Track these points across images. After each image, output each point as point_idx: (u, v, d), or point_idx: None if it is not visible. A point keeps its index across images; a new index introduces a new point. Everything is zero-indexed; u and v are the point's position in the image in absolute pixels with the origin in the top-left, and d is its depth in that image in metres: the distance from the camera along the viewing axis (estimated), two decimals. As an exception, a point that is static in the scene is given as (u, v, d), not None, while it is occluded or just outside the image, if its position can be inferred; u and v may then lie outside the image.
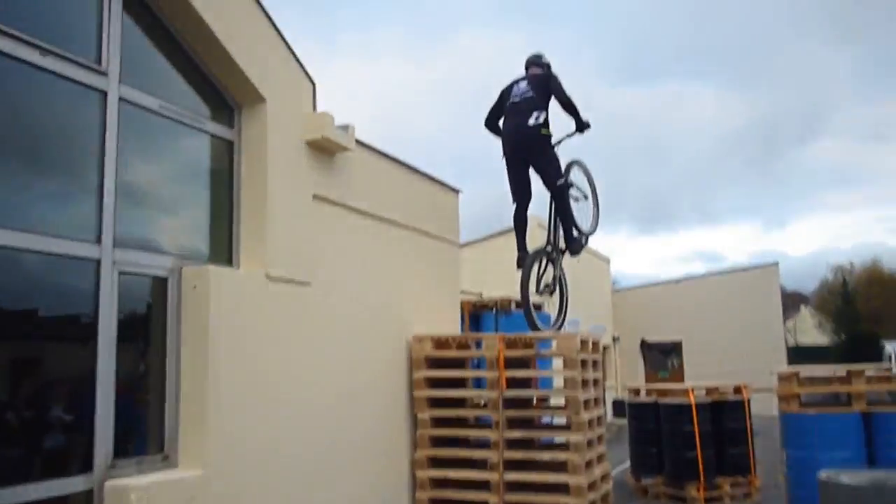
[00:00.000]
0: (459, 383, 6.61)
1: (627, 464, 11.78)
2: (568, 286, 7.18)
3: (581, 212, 7.39)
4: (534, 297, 6.69)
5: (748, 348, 23.13)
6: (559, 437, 6.23)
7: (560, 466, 6.06)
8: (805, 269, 76.57)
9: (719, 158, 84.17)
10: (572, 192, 7.20)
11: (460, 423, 6.52)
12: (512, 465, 6.21)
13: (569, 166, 7.48)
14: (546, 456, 6.14)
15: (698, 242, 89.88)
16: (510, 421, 6.29)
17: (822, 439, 6.55)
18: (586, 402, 6.31)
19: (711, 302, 25.04)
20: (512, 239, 7.00)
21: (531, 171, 6.79)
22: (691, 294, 25.27)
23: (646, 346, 23.82)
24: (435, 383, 6.56)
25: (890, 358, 23.27)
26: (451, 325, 7.53)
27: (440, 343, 6.69)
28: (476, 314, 9.53)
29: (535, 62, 7.19)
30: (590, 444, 6.28)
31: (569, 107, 6.83)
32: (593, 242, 10.47)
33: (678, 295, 25.33)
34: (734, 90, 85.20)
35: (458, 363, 6.70)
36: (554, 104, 6.84)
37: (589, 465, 6.21)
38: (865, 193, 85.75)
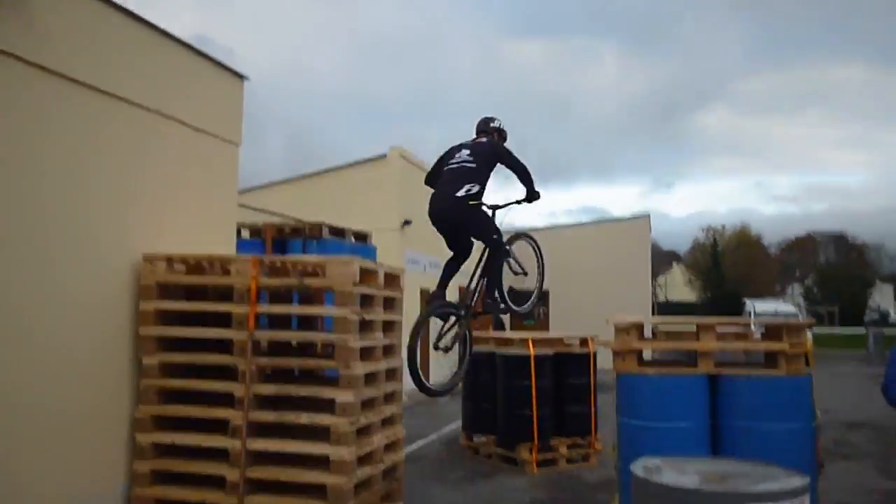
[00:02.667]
0: (204, 319, 4.96)
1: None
2: (471, 349, 6.56)
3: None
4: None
5: (616, 301, 22.53)
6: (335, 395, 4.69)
7: (323, 433, 4.56)
8: (684, 230, 78.92)
9: (617, 118, 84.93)
10: (511, 262, 6.92)
11: (200, 372, 4.88)
12: (260, 429, 4.66)
13: (514, 237, 7.30)
14: (304, 418, 4.61)
15: (589, 198, 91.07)
16: (263, 372, 4.72)
17: (661, 406, 5.31)
18: (367, 351, 4.81)
19: (582, 252, 24.27)
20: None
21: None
22: (562, 244, 24.42)
23: (513, 294, 22.88)
24: (169, 318, 4.89)
25: (749, 315, 23.26)
26: (221, 248, 5.84)
27: (188, 267, 5.01)
28: (282, 240, 7.87)
29: (484, 129, 6.83)
30: (368, 404, 4.81)
31: (523, 174, 6.69)
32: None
33: (549, 244, 24.36)
34: (637, 52, 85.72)
35: (201, 293, 5.04)
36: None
37: (365, 431, 4.75)
38: (747, 161, 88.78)
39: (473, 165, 6.43)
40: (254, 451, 4.59)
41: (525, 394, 8.73)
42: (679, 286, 61.69)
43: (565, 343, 9.38)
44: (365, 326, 4.84)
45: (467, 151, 6.61)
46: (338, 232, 8.14)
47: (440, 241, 6.38)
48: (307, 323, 5.68)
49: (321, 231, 7.80)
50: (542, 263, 7.51)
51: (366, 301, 4.85)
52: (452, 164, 6.56)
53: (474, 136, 6.83)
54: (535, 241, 7.61)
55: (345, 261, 4.57)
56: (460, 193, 6.26)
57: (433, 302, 6.34)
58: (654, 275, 42.20)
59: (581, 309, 20.90)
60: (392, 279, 5.26)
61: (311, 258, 4.90)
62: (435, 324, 6.11)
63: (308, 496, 4.50)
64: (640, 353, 5.77)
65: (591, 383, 9.27)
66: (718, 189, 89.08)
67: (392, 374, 5.26)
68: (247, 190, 17.49)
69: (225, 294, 4.84)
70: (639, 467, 3.16)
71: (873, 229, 77.19)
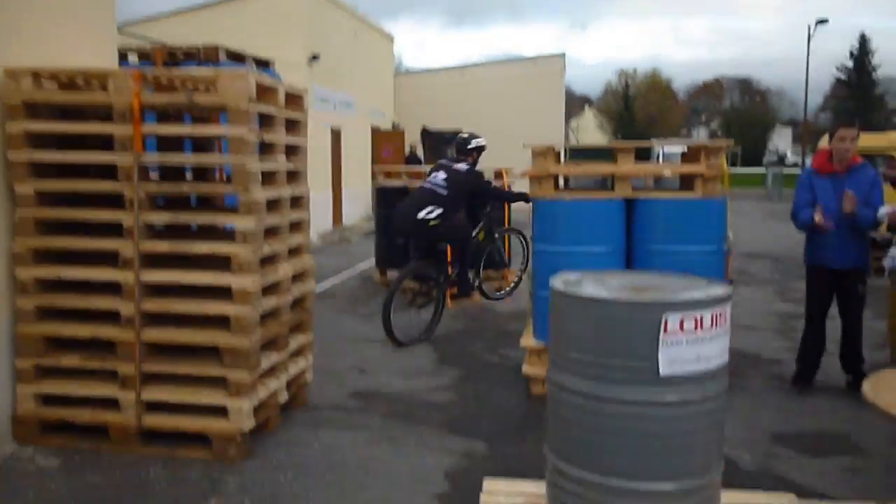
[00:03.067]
0: (84, 143, 4.44)
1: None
2: (443, 309, 7.31)
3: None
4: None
5: (529, 141, 22.45)
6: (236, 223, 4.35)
7: (224, 263, 4.25)
8: (596, 74, 78.80)
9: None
10: (495, 251, 8.22)
11: (83, 201, 4.43)
12: (155, 260, 4.31)
13: (505, 231, 8.66)
14: (202, 248, 4.28)
15: (504, 40, 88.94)
16: (154, 200, 4.31)
17: (578, 231, 5.22)
18: (268, 176, 4.45)
19: (496, 92, 23.82)
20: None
21: None
22: (477, 83, 23.87)
23: (426, 135, 22.41)
24: (43, 142, 4.36)
25: (658, 155, 23.62)
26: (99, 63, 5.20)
27: (60, 83, 4.42)
28: (174, 65, 7.17)
29: (463, 150, 7.24)
30: (272, 232, 4.50)
31: (499, 200, 8.06)
32: (378, 17, 9.13)
33: (463, 83, 23.80)
34: None
35: (77, 113, 4.50)
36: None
37: (269, 261, 4.47)
38: (663, 4, 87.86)
39: (445, 192, 6.85)
40: (149, 284, 4.26)
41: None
42: (591, 130, 62.27)
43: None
44: (266, 149, 4.44)
45: (443, 175, 7.02)
46: (236, 57, 7.47)
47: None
48: (202, 147, 5.24)
49: (217, 54, 7.12)
50: (528, 256, 8.21)
51: (265, 122, 4.42)
52: (426, 183, 7.10)
53: (455, 154, 7.37)
54: (524, 236, 8.49)
55: (238, 74, 4.09)
56: (420, 216, 6.73)
57: (413, 263, 7.11)
58: (567, 118, 42.22)
59: (494, 150, 20.71)
60: (294, 99, 4.81)
61: (201, 72, 4.37)
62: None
63: (211, 328, 4.26)
64: (556, 178, 5.61)
65: (506, 217, 9.21)
66: (631, 31, 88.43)
67: (297, 202, 4.92)
68: (133, 22, 16.07)
69: (106, 115, 4.31)
70: (558, 281, 3.01)
71: (777, 75, 78.80)
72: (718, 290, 2.81)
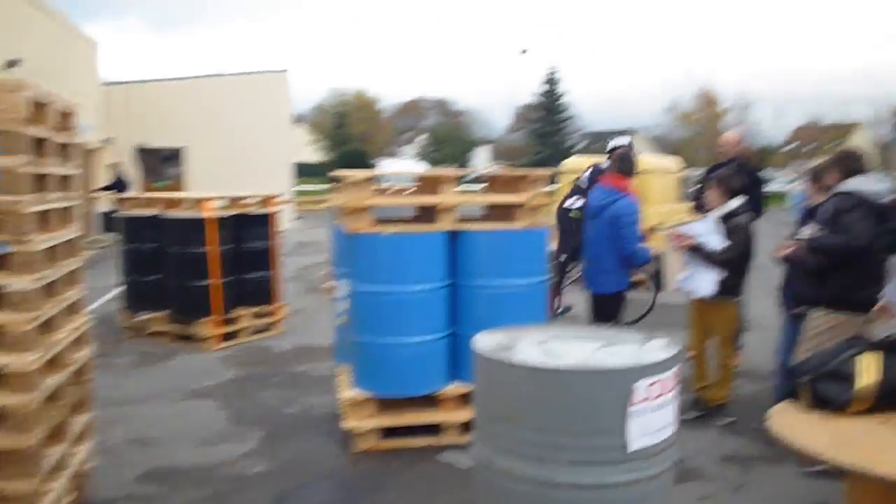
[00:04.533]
0: None
1: (114, 293, 9.11)
2: None
3: None
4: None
5: (257, 160, 21.46)
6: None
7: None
8: (306, 86, 78.77)
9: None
10: None
11: None
12: None
13: None
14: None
15: (219, 47, 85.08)
16: None
17: (401, 268, 4.77)
18: (43, 218, 3.43)
19: (218, 107, 22.41)
20: None
21: None
22: (198, 97, 22.27)
23: (143, 152, 20.42)
24: None
25: (389, 173, 23.88)
26: None
27: None
28: None
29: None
30: (50, 289, 3.48)
31: None
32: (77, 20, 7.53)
33: (183, 97, 22.07)
34: None
35: None
36: None
37: (47, 327, 3.44)
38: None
39: None
40: None
41: (201, 261, 7.63)
42: (302, 147, 61.83)
43: (242, 203, 8.35)
44: (39, 183, 3.41)
45: None
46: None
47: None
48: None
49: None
50: None
51: (38, 147, 3.40)
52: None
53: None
54: None
55: (12, 85, 3.07)
56: None
57: None
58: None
59: (221, 169, 19.41)
60: (67, 118, 3.80)
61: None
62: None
63: (-27, 425, 3.15)
64: (371, 210, 5.12)
65: (272, 246, 8.47)
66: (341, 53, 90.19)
67: (70, 247, 3.89)
68: None
69: None
70: (485, 345, 2.57)
71: (469, 96, 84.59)
72: (672, 346, 2.57)
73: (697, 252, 5.16)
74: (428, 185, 5.37)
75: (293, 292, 10.15)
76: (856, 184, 4.34)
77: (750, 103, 56.57)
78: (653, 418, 2.36)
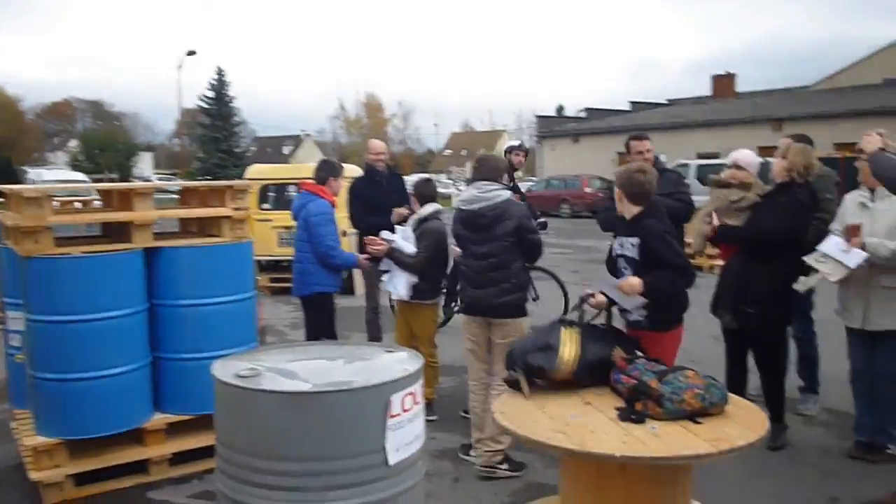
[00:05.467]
0: None
1: None
2: None
3: None
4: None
5: None
6: None
7: None
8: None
9: None
10: None
11: None
12: None
13: None
14: None
15: None
16: None
17: (90, 294, 4.24)
18: None
19: None
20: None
21: None
22: None
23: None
24: None
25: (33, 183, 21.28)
26: None
27: None
28: None
29: None
30: None
31: None
32: None
33: None
34: None
35: None
36: None
37: None
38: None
39: None
40: None
41: None
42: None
43: None
44: None
45: None
46: None
47: None
48: None
49: None
50: None
51: None
52: None
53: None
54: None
55: None
56: None
57: None
58: None
59: None
60: None
61: None
62: None
63: None
64: (50, 229, 4.51)
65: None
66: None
67: None
68: None
69: None
70: (228, 375, 2.39)
71: (129, 99, 79.17)
72: (416, 356, 2.61)
73: (393, 256, 5.35)
74: (118, 199, 4.86)
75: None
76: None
77: (411, 111, 60.29)
78: (407, 430, 2.38)
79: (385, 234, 5.51)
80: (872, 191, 4.39)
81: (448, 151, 60.70)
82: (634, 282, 3.79)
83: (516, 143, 7.38)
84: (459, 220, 4.59)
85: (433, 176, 40.30)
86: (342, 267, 5.80)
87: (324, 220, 5.40)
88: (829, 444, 4.97)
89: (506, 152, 7.08)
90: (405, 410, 2.35)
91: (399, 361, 2.57)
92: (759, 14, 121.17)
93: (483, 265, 4.48)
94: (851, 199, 4.56)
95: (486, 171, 4.57)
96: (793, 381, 5.42)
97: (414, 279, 5.36)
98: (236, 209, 4.78)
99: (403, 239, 5.41)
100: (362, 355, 2.73)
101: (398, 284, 5.39)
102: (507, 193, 4.51)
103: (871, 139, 4.32)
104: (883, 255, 4.12)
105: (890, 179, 3.94)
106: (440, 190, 28.84)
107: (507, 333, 4.47)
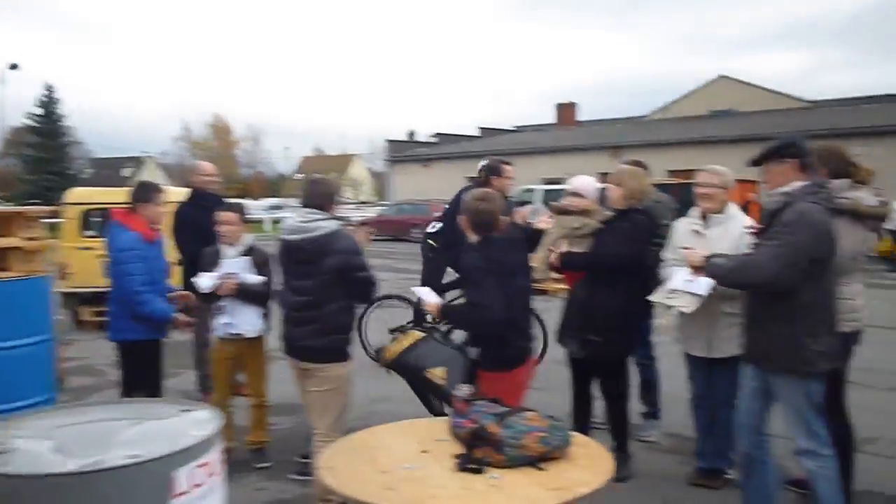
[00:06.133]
0: None
1: None
2: None
3: None
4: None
5: None
6: None
7: None
8: None
9: None
10: None
11: None
12: None
13: None
14: None
15: None
16: None
17: None
18: None
19: None
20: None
21: None
22: None
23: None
24: None
25: None
26: None
27: None
28: None
29: None
30: None
31: None
32: None
33: None
34: None
35: None
36: None
37: None
38: None
39: None
40: None
41: None
42: None
43: None
44: None
45: None
46: None
47: None
48: None
49: None
50: None
51: None
52: None
53: None
54: None
55: None
56: None
57: None
58: None
59: None
60: None
61: None
62: None
63: None
64: None
65: None
66: None
67: None
68: None
69: None
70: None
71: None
72: (214, 419, 2.20)
73: (244, 292, 4.86)
74: None
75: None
76: None
77: (260, 134, 58.94)
78: (199, 510, 1.97)
79: (205, 277, 4.90)
80: (705, 217, 4.40)
81: (299, 175, 59.65)
82: (432, 301, 4.10)
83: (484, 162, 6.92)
84: (281, 250, 4.18)
85: (281, 201, 39.07)
86: (152, 318, 4.65)
87: (128, 257, 4.49)
88: (671, 470, 4.95)
89: (480, 171, 6.45)
90: (196, 486, 1.95)
91: (195, 424, 2.16)
92: (601, 49, 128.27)
93: (298, 302, 4.07)
94: (683, 226, 4.56)
95: (312, 196, 4.12)
96: (635, 406, 5.39)
97: (263, 309, 4.94)
98: (29, 239, 4.16)
99: (239, 269, 4.94)
100: (155, 414, 2.29)
101: (246, 321, 4.93)
102: (333, 224, 4.02)
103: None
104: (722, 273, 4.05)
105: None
106: (256, 216, 27.57)
107: (320, 382, 4.05)
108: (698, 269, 3.99)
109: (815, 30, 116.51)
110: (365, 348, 7.30)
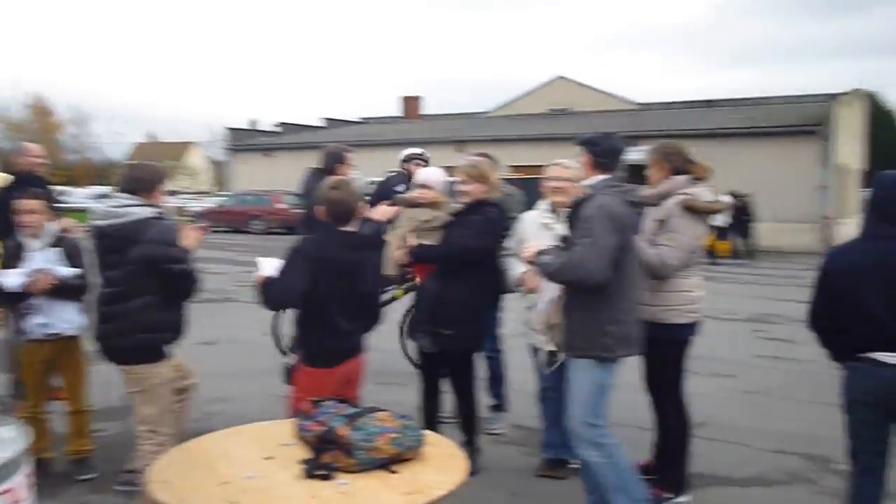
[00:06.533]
0: None
1: None
2: None
3: None
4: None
5: None
6: None
7: None
8: None
9: None
10: None
11: None
12: None
13: None
14: None
15: None
16: None
17: None
18: None
19: None
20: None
21: None
22: None
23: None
24: None
25: None
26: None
27: None
28: None
29: None
30: None
31: None
32: None
33: None
34: None
35: None
36: None
37: None
38: None
39: None
40: None
41: None
42: None
43: None
44: None
45: None
46: None
47: None
48: None
49: None
50: None
51: None
52: None
53: None
54: None
55: None
56: None
57: None
58: None
59: None
60: None
61: None
62: None
63: None
64: None
65: None
66: None
67: None
68: None
69: None
70: None
71: None
72: (20, 437, 1.89)
73: (62, 286, 4.35)
74: None
75: None
76: None
77: (87, 118, 55.11)
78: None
79: (11, 274, 4.34)
80: (555, 211, 4.42)
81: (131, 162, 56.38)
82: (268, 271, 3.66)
83: (418, 151, 6.64)
84: (93, 236, 3.81)
85: (110, 189, 36.67)
86: None
87: None
88: (518, 462, 4.99)
89: (404, 161, 6.49)
90: (-3, 515, 1.65)
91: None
92: (446, 45, 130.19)
93: (104, 294, 3.76)
94: (531, 219, 4.58)
95: (129, 181, 3.81)
96: (482, 399, 5.39)
97: (81, 304, 4.46)
98: None
99: (49, 263, 4.42)
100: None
101: (65, 318, 4.43)
102: (146, 212, 3.70)
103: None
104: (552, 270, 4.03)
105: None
106: (78, 204, 25.83)
107: (133, 384, 3.77)
108: (530, 264, 3.97)
109: (643, 38, 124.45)
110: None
